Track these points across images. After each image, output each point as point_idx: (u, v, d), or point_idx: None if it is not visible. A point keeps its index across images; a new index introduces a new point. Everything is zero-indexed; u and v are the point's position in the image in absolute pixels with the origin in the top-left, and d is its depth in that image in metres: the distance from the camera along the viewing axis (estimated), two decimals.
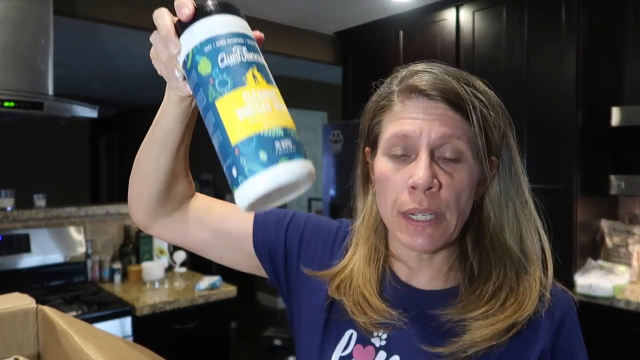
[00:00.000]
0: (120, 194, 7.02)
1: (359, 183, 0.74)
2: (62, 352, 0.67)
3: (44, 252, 2.59)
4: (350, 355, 0.68)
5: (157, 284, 2.63)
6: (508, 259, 0.65)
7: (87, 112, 2.37)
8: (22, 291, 1.05)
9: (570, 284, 2.45)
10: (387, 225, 0.68)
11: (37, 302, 0.90)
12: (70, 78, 5.12)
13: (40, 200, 2.79)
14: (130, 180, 0.74)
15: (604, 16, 2.66)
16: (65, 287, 2.53)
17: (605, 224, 2.73)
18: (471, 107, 0.61)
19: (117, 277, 2.67)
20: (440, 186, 0.60)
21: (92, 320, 2.05)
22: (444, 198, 0.61)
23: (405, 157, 0.62)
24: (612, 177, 2.52)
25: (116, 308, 2.25)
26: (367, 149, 0.71)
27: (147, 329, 2.28)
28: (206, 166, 6.39)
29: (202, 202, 0.79)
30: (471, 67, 2.94)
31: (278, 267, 0.78)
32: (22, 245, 2.54)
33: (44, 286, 2.54)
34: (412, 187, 0.60)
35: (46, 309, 0.83)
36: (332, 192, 3.49)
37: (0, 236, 2.49)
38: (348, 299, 0.68)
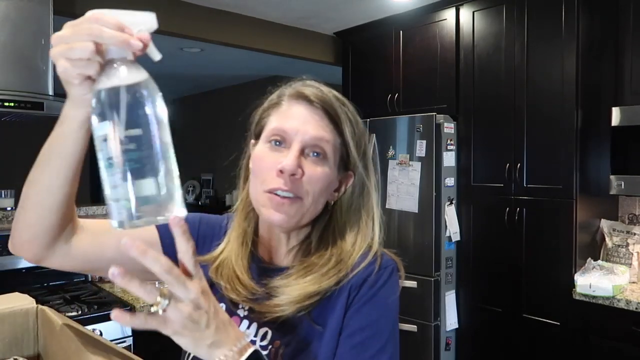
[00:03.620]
0: None
1: (241, 174, 0.85)
2: (62, 352, 0.67)
3: None
4: None
5: (157, 283, 2.63)
6: (337, 254, 0.76)
7: None
8: (22, 291, 1.06)
9: (571, 284, 2.46)
10: (255, 206, 0.78)
11: (37, 302, 0.90)
12: None
13: None
14: (20, 212, 0.70)
15: (604, 16, 2.65)
16: (65, 287, 2.52)
17: (605, 224, 2.73)
18: (342, 121, 0.75)
19: None
20: (303, 175, 0.73)
21: (92, 320, 2.05)
22: (304, 184, 0.73)
23: (280, 147, 0.75)
24: (612, 177, 2.52)
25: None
26: (252, 141, 0.82)
27: (147, 330, 2.28)
28: (206, 166, 6.38)
29: (94, 223, 0.77)
30: (471, 67, 2.94)
31: None
32: None
33: (44, 286, 2.53)
34: (280, 171, 0.72)
35: (46, 309, 0.83)
36: None
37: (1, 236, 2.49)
38: (223, 278, 0.78)
